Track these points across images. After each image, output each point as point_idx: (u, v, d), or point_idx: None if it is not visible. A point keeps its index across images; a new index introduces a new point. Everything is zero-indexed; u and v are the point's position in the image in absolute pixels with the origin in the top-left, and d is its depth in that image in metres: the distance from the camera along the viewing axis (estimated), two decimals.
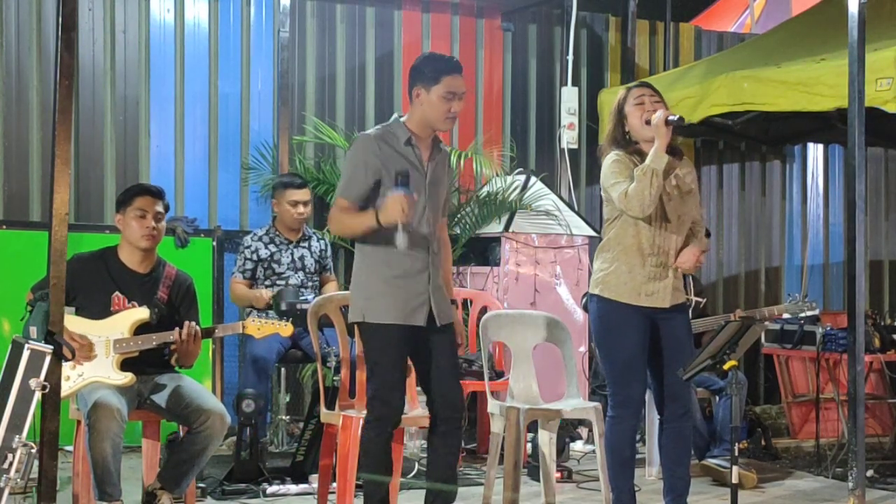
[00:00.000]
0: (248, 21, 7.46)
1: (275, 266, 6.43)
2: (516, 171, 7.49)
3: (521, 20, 8.19)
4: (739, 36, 9.28)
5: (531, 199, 7.05)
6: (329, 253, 6.67)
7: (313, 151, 7.55)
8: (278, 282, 6.38)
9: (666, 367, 4.63)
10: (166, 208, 4.86)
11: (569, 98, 7.89)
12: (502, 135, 8.05)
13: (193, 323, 4.68)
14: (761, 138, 8.28)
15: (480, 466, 6.10)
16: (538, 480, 5.48)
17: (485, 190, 7.28)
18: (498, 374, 6.25)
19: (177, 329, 4.64)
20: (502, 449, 5.13)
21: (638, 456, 5.19)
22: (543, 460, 5.32)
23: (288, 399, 6.84)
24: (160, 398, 4.66)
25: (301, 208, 6.47)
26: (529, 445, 5.93)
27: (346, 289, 6.40)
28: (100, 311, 4.66)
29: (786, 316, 6.78)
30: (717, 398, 6.20)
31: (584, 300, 6.61)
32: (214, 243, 6.79)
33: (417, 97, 4.33)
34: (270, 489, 5.45)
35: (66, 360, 4.13)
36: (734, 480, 4.26)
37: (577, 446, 6.87)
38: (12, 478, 3.67)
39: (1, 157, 6.87)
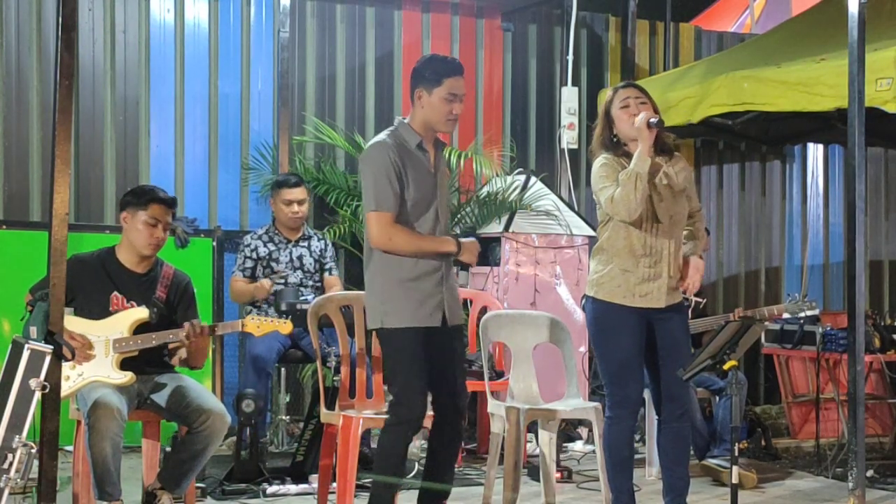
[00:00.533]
0: (248, 21, 7.46)
1: (273, 264, 6.43)
2: (516, 171, 7.49)
3: (521, 20, 8.19)
4: (739, 36, 9.28)
5: (531, 199, 7.05)
6: (330, 253, 6.66)
7: (313, 151, 7.55)
8: (277, 280, 6.38)
9: (663, 368, 4.63)
10: (174, 216, 4.87)
11: (569, 98, 7.89)
12: (502, 135, 8.05)
13: (196, 321, 4.68)
14: (761, 138, 8.28)
15: (480, 466, 6.10)
16: (538, 480, 5.48)
17: (485, 190, 7.28)
18: (498, 374, 6.25)
19: (186, 325, 4.64)
20: (502, 449, 5.13)
21: (638, 456, 5.20)
22: (543, 460, 5.32)
23: (288, 399, 6.84)
24: (160, 398, 4.66)
25: (296, 207, 6.47)
26: (529, 445, 5.93)
27: (348, 289, 6.46)
28: (99, 311, 4.66)
29: (786, 316, 6.78)
30: (717, 398, 6.20)
31: (583, 300, 6.61)
32: (214, 243, 6.79)
33: (419, 99, 4.33)
34: (270, 489, 5.45)
35: (66, 360, 4.13)
36: (734, 480, 4.26)
37: (577, 446, 6.87)
38: (12, 478, 3.68)
39: (1, 157, 6.87)
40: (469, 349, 6.33)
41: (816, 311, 6.61)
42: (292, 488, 5.49)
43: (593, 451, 5.69)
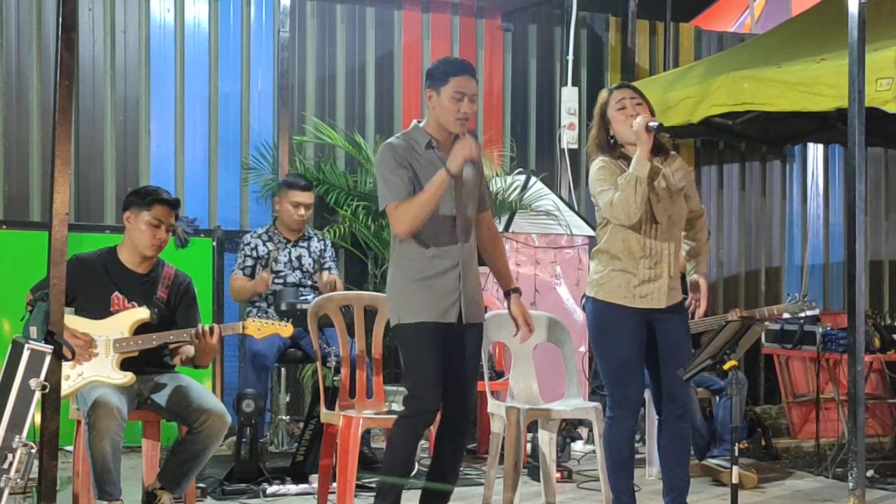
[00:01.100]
0: (248, 21, 7.46)
1: (272, 264, 6.42)
2: (516, 171, 7.49)
3: (521, 20, 8.19)
4: (739, 36, 9.28)
5: (531, 199, 7.05)
6: (330, 254, 6.66)
7: (313, 151, 7.55)
8: (275, 280, 6.38)
9: (663, 368, 4.62)
10: (177, 217, 4.87)
11: (569, 98, 7.89)
12: (502, 135, 8.05)
13: (208, 325, 4.68)
14: (761, 138, 8.27)
15: (480, 466, 6.10)
16: (538, 480, 5.48)
17: None
18: (498, 374, 6.25)
19: (199, 327, 4.65)
20: (502, 449, 5.13)
21: (638, 456, 5.19)
22: (543, 460, 5.32)
23: (288, 399, 6.84)
24: (160, 398, 4.66)
25: (302, 210, 6.47)
26: (529, 445, 5.93)
27: (348, 289, 6.46)
28: (99, 311, 4.66)
29: (786, 316, 6.78)
30: (717, 398, 6.20)
31: (583, 300, 6.61)
32: (214, 243, 6.79)
33: (430, 100, 4.37)
34: (270, 489, 5.45)
35: (66, 359, 4.13)
36: (734, 480, 4.26)
37: (577, 446, 6.87)
38: (12, 478, 3.68)
39: (1, 157, 6.87)
40: None
41: (816, 311, 6.61)
42: (292, 488, 5.49)
43: (593, 451, 5.69)
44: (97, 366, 4.57)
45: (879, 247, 9.25)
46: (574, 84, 7.96)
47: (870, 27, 5.28)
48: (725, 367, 4.36)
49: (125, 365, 4.61)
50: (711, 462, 6.03)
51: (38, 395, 3.77)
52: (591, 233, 7.15)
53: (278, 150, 7.33)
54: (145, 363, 4.70)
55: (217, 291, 6.72)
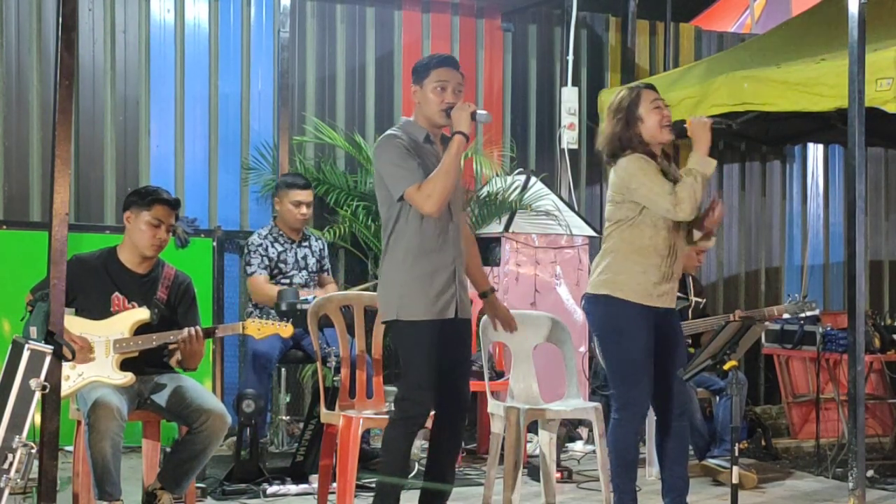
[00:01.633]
0: (248, 21, 7.46)
1: (282, 265, 6.42)
2: (516, 171, 7.49)
3: (521, 20, 8.19)
4: (739, 36, 9.28)
5: (531, 200, 7.05)
6: (327, 254, 6.67)
7: (313, 151, 7.55)
8: (283, 280, 6.37)
9: (663, 367, 4.61)
10: (177, 217, 4.87)
11: (569, 98, 7.89)
12: (502, 135, 8.05)
13: (195, 328, 4.68)
14: (761, 138, 8.28)
15: (480, 466, 6.10)
16: (538, 480, 5.48)
17: (485, 190, 7.29)
18: (498, 374, 6.25)
19: (185, 330, 4.65)
20: (502, 449, 5.13)
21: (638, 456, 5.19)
22: (543, 460, 5.32)
23: (288, 399, 6.84)
24: (160, 398, 4.66)
25: (304, 209, 6.46)
26: (529, 445, 5.93)
27: (346, 289, 6.46)
28: (100, 311, 4.66)
29: (786, 316, 6.78)
30: (718, 398, 6.20)
31: (583, 300, 6.61)
32: (214, 243, 6.79)
33: (415, 95, 4.37)
34: (270, 489, 5.45)
35: (66, 360, 4.13)
36: (734, 480, 4.26)
37: (577, 446, 6.87)
38: (12, 478, 3.67)
39: (1, 157, 6.87)
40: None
41: (816, 312, 6.61)
42: (292, 488, 5.49)
43: (593, 451, 5.69)
44: (97, 366, 4.58)
45: (879, 247, 9.25)
46: (574, 84, 7.96)
47: (870, 27, 5.28)
48: (725, 367, 4.37)
49: (125, 365, 4.61)
50: (711, 462, 6.03)
51: (38, 395, 3.76)
52: (591, 233, 7.17)
53: (278, 150, 7.33)
54: (145, 363, 4.70)
55: (217, 291, 6.71)
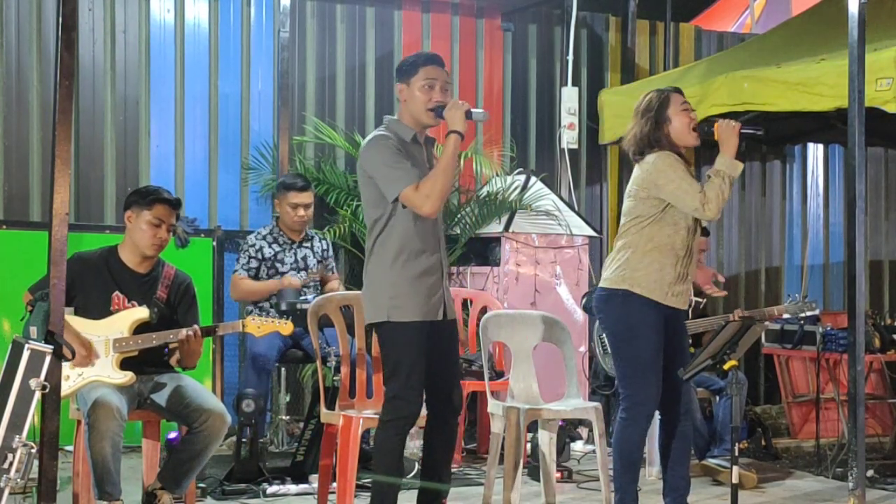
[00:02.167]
0: (248, 21, 7.46)
1: (278, 265, 6.42)
2: (516, 171, 7.49)
3: (521, 20, 8.19)
4: (739, 36, 9.28)
5: (531, 199, 7.05)
6: (331, 253, 6.67)
7: (313, 152, 7.55)
8: (308, 283, 6.37)
9: (671, 368, 4.61)
10: (178, 217, 4.87)
11: (569, 98, 7.89)
12: (502, 135, 8.05)
13: (194, 327, 4.69)
14: (761, 138, 8.27)
15: (480, 466, 6.10)
16: (538, 480, 5.48)
17: (485, 190, 7.29)
18: (498, 374, 6.25)
19: (183, 331, 4.65)
20: (502, 449, 5.13)
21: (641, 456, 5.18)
22: (543, 460, 5.32)
23: (288, 399, 6.84)
24: (160, 398, 4.66)
25: (301, 211, 6.45)
26: (529, 445, 5.93)
27: (348, 288, 6.46)
28: (99, 310, 4.67)
29: (786, 316, 6.78)
30: (718, 398, 6.20)
31: (584, 300, 6.62)
32: (214, 243, 6.79)
33: (401, 93, 4.36)
34: (270, 489, 5.45)
35: (67, 360, 4.13)
36: (734, 480, 4.26)
37: (577, 446, 6.87)
38: (12, 478, 3.67)
39: (1, 157, 6.87)
40: (469, 349, 6.33)
41: (816, 312, 6.60)
42: (292, 488, 5.49)
43: (593, 451, 5.69)
44: (97, 366, 4.58)
45: (879, 247, 9.25)
46: (574, 84, 7.96)
47: (870, 27, 5.28)
48: (725, 367, 4.36)
49: (125, 365, 4.62)
50: (711, 462, 6.03)
51: (38, 395, 3.76)
52: (591, 233, 7.17)
53: (278, 150, 7.33)
54: (145, 363, 4.70)
55: (217, 291, 6.72)
